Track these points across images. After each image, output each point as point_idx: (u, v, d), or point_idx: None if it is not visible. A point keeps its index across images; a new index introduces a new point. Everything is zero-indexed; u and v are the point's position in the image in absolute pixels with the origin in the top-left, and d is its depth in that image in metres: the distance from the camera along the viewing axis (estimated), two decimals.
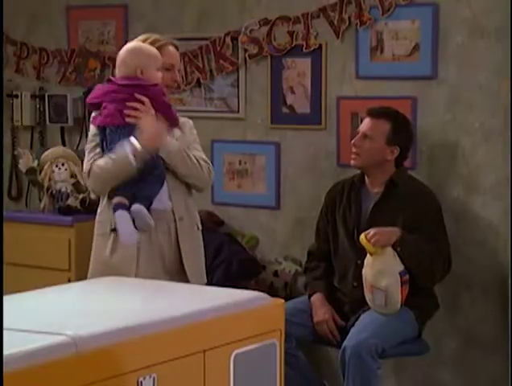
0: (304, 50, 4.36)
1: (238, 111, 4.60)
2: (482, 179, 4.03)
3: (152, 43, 3.39)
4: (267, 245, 4.55)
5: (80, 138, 5.01)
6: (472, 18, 4.01)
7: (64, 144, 5.05)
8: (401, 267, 3.62)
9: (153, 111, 3.20)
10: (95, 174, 3.25)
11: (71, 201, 4.58)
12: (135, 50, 3.32)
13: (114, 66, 4.88)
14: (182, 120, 3.39)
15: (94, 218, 4.54)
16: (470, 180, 4.05)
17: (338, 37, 4.28)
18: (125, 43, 4.82)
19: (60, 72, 5.04)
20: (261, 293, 2.83)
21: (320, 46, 4.33)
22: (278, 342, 2.79)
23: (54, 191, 4.66)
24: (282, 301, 2.88)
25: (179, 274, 3.33)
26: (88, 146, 3.33)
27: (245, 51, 4.52)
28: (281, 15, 4.41)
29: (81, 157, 4.75)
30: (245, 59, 4.53)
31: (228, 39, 4.56)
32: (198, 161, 3.33)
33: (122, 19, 4.87)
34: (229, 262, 4.36)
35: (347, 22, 4.25)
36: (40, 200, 4.75)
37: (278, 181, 4.50)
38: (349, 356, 3.57)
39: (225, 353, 2.59)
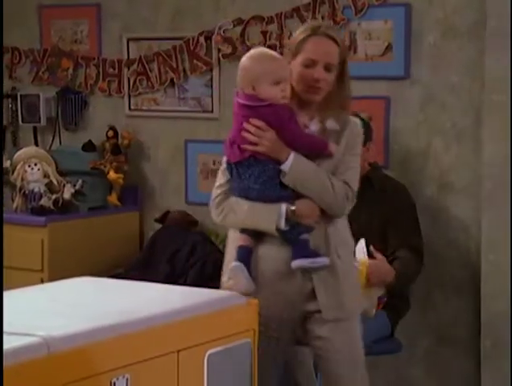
0: (278, 50, 4.36)
1: (212, 111, 4.60)
2: (454, 179, 4.06)
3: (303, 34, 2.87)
4: None
5: (53, 138, 4.99)
6: (444, 19, 4.03)
7: (36, 144, 5.02)
8: (382, 292, 3.63)
9: (271, 135, 2.77)
10: (224, 217, 2.90)
11: (44, 201, 4.55)
12: (246, 60, 2.82)
13: (88, 65, 4.93)
14: (350, 121, 2.91)
15: (67, 218, 4.55)
16: (442, 180, 4.08)
17: None
18: (99, 42, 4.90)
19: (33, 72, 5.01)
20: (235, 293, 2.83)
21: None
22: (252, 342, 2.79)
23: (27, 191, 4.63)
24: (256, 300, 2.89)
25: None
26: (219, 177, 3.02)
27: (219, 50, 4.52)
28: (255, 15, 4.42)
29: (54, 157, 4.76)
30: (219, 58, 4.53)
31: (202, 39, 4.56)
32: (333, 186, 2.83)
33: (95, 18, 4.85)
34: (204, 262, 4.36)
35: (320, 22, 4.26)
36: (13, 200, 4.72)
37: None
38: None
39: (199, 353, 2.59)
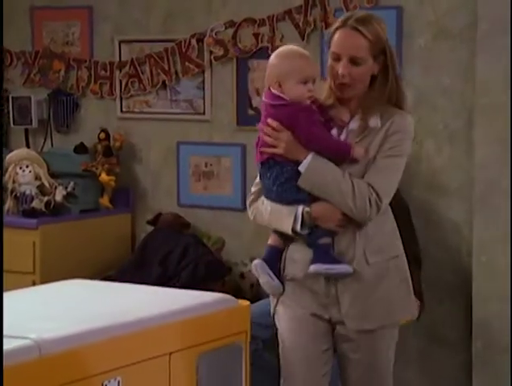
0: (270, 52, 4.36)
1: (204, 113, 4.59)
2: (446, 181, 4.06)
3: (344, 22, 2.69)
4: (233, 247, 4.55)
5: (45, 140, 4.98)
6: (435, 21, 4.04)
7: (28, 146, 5.01)
8: None
9: (286, 136, 2.67)
10: (254, 216, 2.89)
11: (35, 203, 4.54)
12: (274, 57, 2.72)
13: (79, 68, 4.92)
14: (396, 117, 2.70)
15: (59, 220, 4.53)
16: (434, 182, 4.08)
17: (303, 39, 4.29)
18: (91, 44, 4.89)
19: (25, 74, 5.00)
20: (227, 296, 2.83)
21: None
22: (243, 344, 2.79)
23: (18, 194, 4.62)
24: (248, 303, 2.89)
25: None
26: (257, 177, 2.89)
27: (211, 53, 4.52)
28: (247, 17, 4.42)
29: (46, 159, 4.76)
30: (211, 61, 4.53)
31: (193, 41, 4.56)
32: (353, 189, 2.66)
33: (87, 20, 4.85)
34: (196, 264, 4.36)
35: (312, 25, 4.27)
36: (4, 203, 4.71)
37: (244, 183, 4.50)
38: None
39: (191, 355, 2.59)
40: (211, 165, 4.60)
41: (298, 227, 2.70)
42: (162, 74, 4.65)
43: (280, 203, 2.74)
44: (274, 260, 2.81)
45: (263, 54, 4.37)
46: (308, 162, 2.67)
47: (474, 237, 3.88)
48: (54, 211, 4.51)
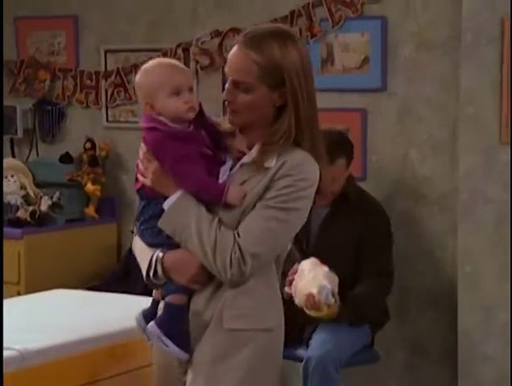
0: None
1: None
2: (430, 191, 4.08)
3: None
4: None
5: (30, 150, 4.97)
6: (418, 32, 4.06)
7: (13, 155, 5.00)
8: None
9: (155, 166, 2.25)
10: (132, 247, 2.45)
11: (20, 213, 4.53)
12: (139, 76, 2.33)
13: (65, 77, 4.91)
14: (288, 160, 2.20)
15: (44, 230, 4.52)
16: (418, 192, 4.10)
17: None
18: (76, 53, 4.88)
19: (10, 83, 4.99)
20: None
21: None
22: None
23: (3, 203, 4.61)
24: None
25: None
26: None
27: (197, 62, 4.53)
28: (232, 27, 4.42)
29: (31, 169, 4.74)
30: (197, 70, 4.54)
31: (179, 51, 4.56)
32: (215, 244, 2.18)
33: (73, 30, 4.84)
34: None
35: (298, 34, 4.28)
36: None
37: None
38: (314, 368, 3.56)
39: None
40: None
41: (150, 275, 2.25)
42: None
43: (144, 243, 2.31)
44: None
45: None
46: (173, 200, 2.21)
47: (458, 247, 3.89)
48: (39, 220, 4.50)
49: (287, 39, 2.20)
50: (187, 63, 4.54)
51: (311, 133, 2.23)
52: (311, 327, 3.78)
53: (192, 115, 2.23)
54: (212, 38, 4.48)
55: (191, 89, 2.25)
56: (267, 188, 2.19)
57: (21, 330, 2.44)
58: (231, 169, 2.25)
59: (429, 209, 4.07)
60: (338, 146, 3.79)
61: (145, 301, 2.97)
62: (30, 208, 4.54)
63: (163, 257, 2.22)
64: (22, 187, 4.64)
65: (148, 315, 2.31)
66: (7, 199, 4.61)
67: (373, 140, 4.17)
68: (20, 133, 4.94)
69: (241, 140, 2.26)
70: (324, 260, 3.74)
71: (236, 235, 2.17)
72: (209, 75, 4.52)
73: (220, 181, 2.22)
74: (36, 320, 2.59)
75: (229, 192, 2.18)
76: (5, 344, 2.26)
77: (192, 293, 2.23)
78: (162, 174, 2.22)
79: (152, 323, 2.23)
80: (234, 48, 2.22)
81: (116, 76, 4.74)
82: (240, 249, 2.16)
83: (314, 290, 3.60)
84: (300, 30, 4.26)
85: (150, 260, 2.23)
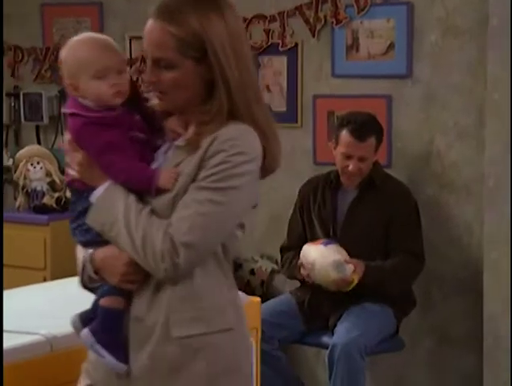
0: (280, 48, 4.37)
1: None
2: (456, 177, 4.06)
3: None
4: (243, 243, 4.52)
5: (56, 137, 4.99)
6: (445, 18, 4.03)
7: (39, 142, 5.02)
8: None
9: (80, 156, 2.01)
10: None
11: (46, 200, 4.56)
12: (64, 49, 2.08)
13: None
14: (219, 135, 1.95)
15: (70, 217, 4.53)
16: (444, 178, 4.08)
17: (314, 35, 4.29)
18: None
19: (35, 70, 5.01)
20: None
21: (296, 44, 4.34)
22: (254, 341, 2.79)
23: (29, 190, 4.64)
24: (259, 299, 2.89)
25: None
26: None
27: None
28: (257, 14, 4.41)
29: (56, 155, 4.77)
30: None
31: None
32: (145, 233, 1.93)
33: (97, 17, 4.85)
34: None
35: (323, 21, 4.26)
36: (15, 199, 4.72)
37: None
38: (339, 355, 3.57)
39: None
40: None
41: (85, 279, 2.05)
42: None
43: (78, 243, 2.10)
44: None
45: (274, 50, 4.38)
46: (100, 192, 1.98)
47: (484, 233, 3.87)
48: (64, 207, 4.52)
49: (209, 8, 1.96)
50: None
51: (249, 106, 1.97)
52: (336, 315, 3.78)
53: (118, 100, 2.01)
54: None
55: (120, 72, 2.02)
56: (199, 168, 1.94)
57: (47, 316, 2.45)
58: (167, 153, 2.03)
59: (455, 195, 4.05)
60: (369, 126, 3.82)
61: None
62: (56, 195, 4.56)
63: (92, 256, 2.01)
64: (48, 174, 4.66)
65: (87, 318, 2.04)
66: (33, 185, 4.64)
67: (398, 126, 4.15)
68: (46, 120, 4.96)
69: (175, 120, 2.03)
70: (351, 245, 3.77)
71: (167, 224, 1.91)
72: None
73: (155, 166, 2.00)
74: (62, 306, 2.60)
75: (160, 176, 1.96)
76: (31, 330, 2.27)
77: (131, 295, 1.98)
78: (89, 165, 1.99)
79: (86, 330, 1.98)
80: (148, 22, 1.98)
81: (141, 63, 4.74)
82: (171, 239, 1.90)
83: (334, 274, 3.64)
84: (325, 17, 4.24)
85: (83, 260, 2.03)
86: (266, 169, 2.05)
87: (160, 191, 1.95)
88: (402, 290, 3.85)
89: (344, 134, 3.80)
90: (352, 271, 3.66)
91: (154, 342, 1.94)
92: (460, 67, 4.01)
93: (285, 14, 4.35)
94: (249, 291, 4.00)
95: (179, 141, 1.99)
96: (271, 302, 3.95)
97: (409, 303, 3.92)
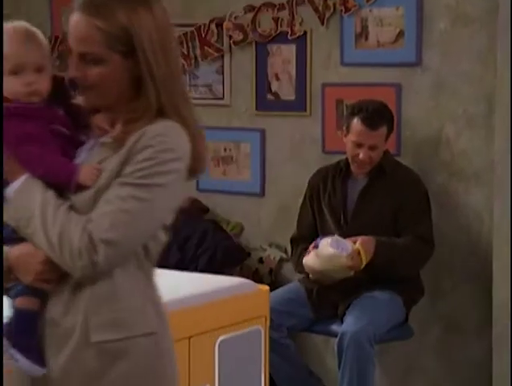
0: (289, 37, 4.36)
1: (223, 98, 4.59)
2: (465, 166, 4.05)
3: None
4: (252, 232, 4.55)
5: None
6: (455, 5, 4.01)
7: None
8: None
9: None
10: None
11: None
12: None
13: None
14: (146, 131, 1.89)
15: None
16: (454, 166, 4.07)
17: (323, 24, 4.28)
18: None
19: None
20: (246, 280, 2.84)
21: (305, 32, 4.33)
22: (263, 329, 2.80)
23: None
24: (267, 287, 2.90)
25: None
26: None
27: (230, 37, 4.51)
28: (266, 2, 4.40)
29: None
30: (230, 45, 4.52)
31: (213, 26, 4.55)
32: (62, 230, 1.85)
33: None
34: (214, 249, 4.37)
35: (332, 9, 4.25)
36: None
37: (262, 168, 4.50)
38: (348, 343, 3.57)
39: (211, 339, 2.60)
40: (230, 150, 4.60)
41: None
42: (181, 59, 4.64)
43: None
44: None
45: (283, 38, 4.37)
46: (16, 187, 1.88)
47: (494, 222, 3.86)
48: None
49: (137, 2, 1.92)
50: (220, 38, 4.54)
51: (177, 103, 1.93)
52: (345, 303, 3.78)
53: (34, 99, 1.92)
54: (245, 13, 4.46)
55: (40, 69, 1.93)
56: (124, 163, 1.87)
57: None
58: (92, 150, 1.95)
59: (465, 184, 4.05)
60: (380, 114, 3.82)
61: (178, 275, 3.00)
62: None
63: (7, 254, 1.89)
64: None
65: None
66: None
67: (407, 115, 4.14)
68: None
69: (102, 117, 1.97)
70: (362, 232, 3.78)
71: (87, 220, 1.84)
72: (242, 50, 4.51)
73: (78, 162, 1.92)
74: None
75: (81, 171, 1.89)
76: None
77: (47, 296, 1.90)
78: (7, 158, 1.88)
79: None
80: (73, 16, 1.92)
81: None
82: (90, 236, 1.82)
83: (343, 260, 3.64)
84: (334, 5, 4.23)
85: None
86: (193, 169, 1.96)
87: (80, 188, 1.88)
88: (411, 274, 3.84)
89: (356, 122, 3.79)
90: (352, 244, 3.65)
91: (72, 346, 1.87)
92: (469, 56, 4.00)
93: (294, 2, 4.34)
94: (258, 279, 4.01)
95: (105, 138, 1.93)
96: (280, 291, 3.95)
97: (418, 291, 3.92)
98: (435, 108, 4.10)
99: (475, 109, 4.01)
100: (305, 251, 3.85)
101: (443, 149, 4.09)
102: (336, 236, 3.70)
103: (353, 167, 3.87)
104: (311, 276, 3.80)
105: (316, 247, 3.72)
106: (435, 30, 4.06)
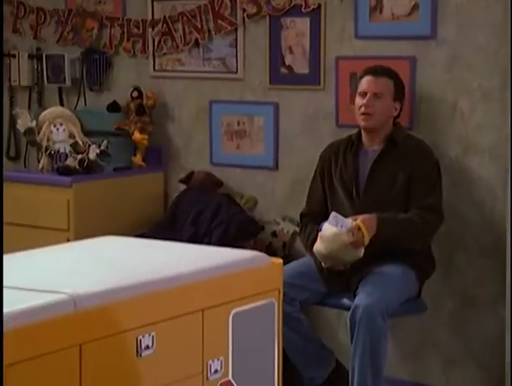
0: (303, 10, 4.34)
1: (237, 71, 4.58)
2: (480, 139, 4.03)
3: None
4: (265, 206, 4.56)
5: (78, 99, 5.00)
6: None
7: (62, 104, 5.03)
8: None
9: None
10: None
11: (69, 161, 4.58)
12: None
13: (112, 26, 4.91)
14: None
15: (92, 178, 4.56)
16: (468, 140, 4.05)
17: None
18: (123, 2, 4.88)
19: (58, 32, 5.01)
20: (259, 253, 2.84)
21: (319, 6, 4.31)
22: (276, 302, 2.80)
23: (52, 152, 4.66)
24: (281, 260, 2.90)
25: None
26: None
27: (244, 10, 4.50)
28: None
29: (79, 117, 4.78)
30: (244, 19, 4.51)
31: None
32: None
33: None
34: (228, 223, 4.37)
35: None
36: (39, 160, 4.75)
37: (276, 142, 4.49)
38: (360, 316, 3.57)
39: (224, 312, 2.60)
40: (243, 124, 4.59)
41: None
42: (194, 32, 4.64)
43: None
44: None
45: (297, 12, 4.35)
46: None
47: (508, 196, 3.85)
48: (88, 169, 4.54)
49: None
50: (234, 12, 4.52)
51: None
52: (357, 277, 3.78)
53: None
54: None
55: None
56: None
57: (71, 275, 2.47)
58: None
59: (479, 158, 4.03)
60: (386, 69, 3.89)
61: (192, 249, 3.00)
62: (79, 157, 4.58)
63: None
64: (71, 136, 4.68)
65: None
66: (56, 147, 4.66)
67: (421, 88, 4.12)
68: (68, 82, 4.97)
69: None
70: (374, 204, 3.77)
71: None
72: (256, 24, 4.49)
73: None
74: (86, 265, 2.62)
75: None
76: (55, 288, 2.29)
77: None
78: None
79: None
80: None
81: (163, 25, 4.73)
82: None
83: (345, 237, 3.63)
84: None
85: None
86: None
87: None
88: (422, 246, 3.83)
89: (363, 78, 3.89)
90: (351, 220, 3.65)
91: None
92: (485, 29, 3.97)
93: None
94: (271, 253, 4.01)
95: None
96: (293, 264, 3.96)
97: (429, 265, 3.92)
98: (450, 81, 4.08)
99: (490, 83, 3.99)
100: (312, 233, 3.86)
101: (457, 123, 4.07)
102: (335, 213, 3.70)
103: (359, 120, 3.87)
104: (323, 264, 3.81)
105: (320, 230, 3.74)
106: (450, 3, 4.03)
